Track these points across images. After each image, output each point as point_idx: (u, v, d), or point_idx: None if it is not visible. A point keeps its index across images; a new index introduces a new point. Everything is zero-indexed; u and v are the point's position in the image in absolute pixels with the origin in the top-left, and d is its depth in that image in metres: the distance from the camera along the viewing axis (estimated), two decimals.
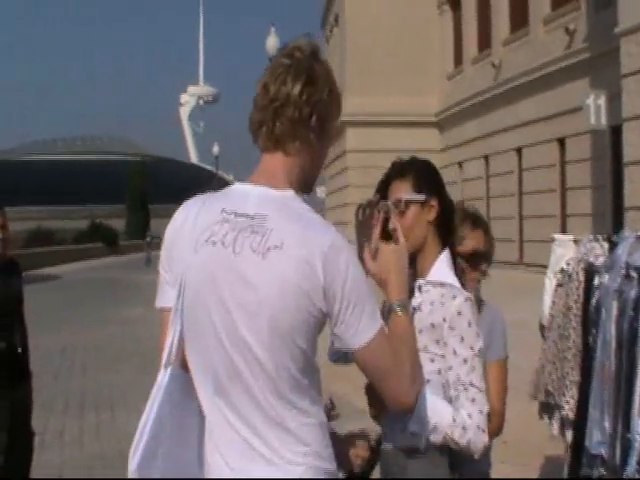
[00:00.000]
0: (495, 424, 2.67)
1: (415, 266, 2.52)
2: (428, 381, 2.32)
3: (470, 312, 2.36)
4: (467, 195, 26.78)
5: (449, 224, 2.54)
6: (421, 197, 2.48)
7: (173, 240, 1.95)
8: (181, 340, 1.90)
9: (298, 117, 1.93)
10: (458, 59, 28.81)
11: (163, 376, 1.89)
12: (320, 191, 41.56)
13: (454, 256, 2.55)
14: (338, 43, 33.46)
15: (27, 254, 36.84)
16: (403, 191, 2.49)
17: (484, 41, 26.11)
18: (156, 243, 49.02)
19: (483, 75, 25.23)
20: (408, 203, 2.47)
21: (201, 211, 1.93)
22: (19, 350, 4.76)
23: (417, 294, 2.46)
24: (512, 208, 23.49)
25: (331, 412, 7.53)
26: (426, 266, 2.50)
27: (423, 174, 2.53)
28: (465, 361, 2.33)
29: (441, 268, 2.47)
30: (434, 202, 2.49)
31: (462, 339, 2.34)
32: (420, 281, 2.49)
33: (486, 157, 25.62)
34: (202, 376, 1.88)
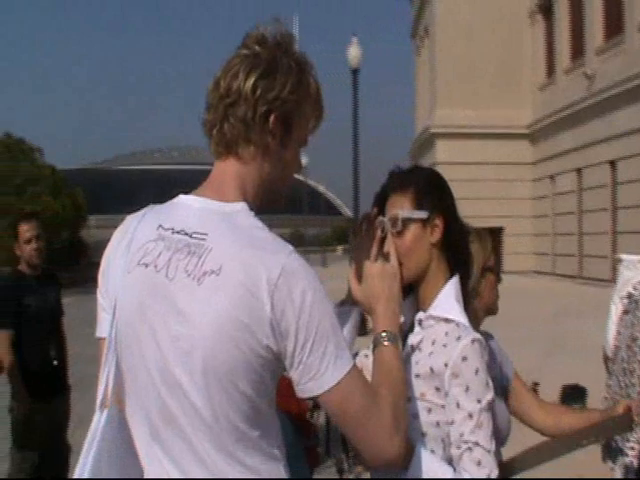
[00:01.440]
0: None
1: (417, 296, 2.13)
2: (424, 434, 1.96)
3: (478, 357, 1.93)
4: (558, 210, 26.17)
5: (458, 248, 2.09)
6: (422, 214, 2.03)
7: (109, 260, 1.68)
8: (118, 376, 1.63)
9: (251, 117, 1.62)
10: (550, 69, 28.20)
11: (98, 419, 1.62)
12: None
13: (465, 287, 2.11)
14: (428, 55, 33.24)
15: None
16: (401, 207, 2.04)
17: (577, 50, 25.48)
18: None
19: (576, 85, 24.61)
20: (406, 222, 2.03)
21: (139, 226, 1.67)
22: (55, 363, 4.68)
23: (417, 329, 2.07)
24: (605, 223, 22.81)
25: None
26: (429, 297, 2.07)
27: (426, 187, 2.05)
28: (470, 416, 1.90)
29: (446, 300, 2.05)
30: (439, 221, 2.03)
31: (467, 389, 1.91)
32: (421, 314, 2.07)
33: (579, 170, 24.97)
34: (137, 418, 1.61)
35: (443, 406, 1.94)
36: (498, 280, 2.56)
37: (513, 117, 28.66)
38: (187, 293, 1.53)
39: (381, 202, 2.09)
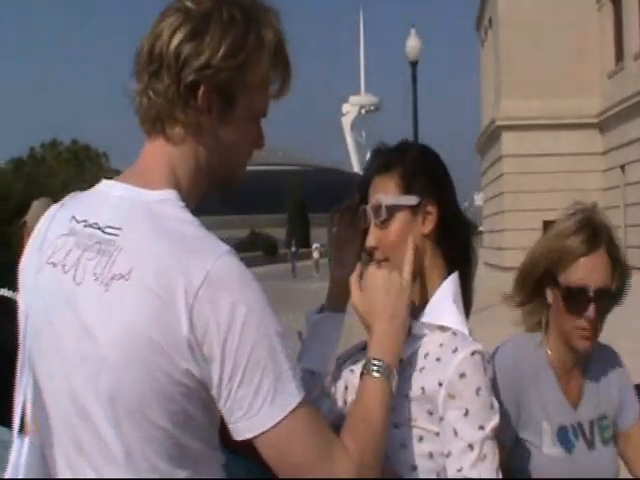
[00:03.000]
0: None
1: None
2: (414, 467, 1.59)
3: (480, 373, 1.56)
4: (629, 200, 25.51)
5: (457, 239, 1.73)
6: (411, 200, 1.67)
7: (25, 255, 1.42)
8: (36, 395, 1.37)
9: (175, 90, 1.30)
10: (619, 55, 27.42)
11: (19, 449, 1.37)
12: (477, 198, 41.00)
13: (466, 287, 1.73)
14: (493, 46, 32.80)
15: None
16: (385, 191, 1.69)
17: None
18: (302, 253, 50.08)
19: None
20: (392, 209, 1.67)
21: (56, 217, 1.40)
22: None
23: (407, 340, 1.66)
24: None
25: None
26: (422, 299, 1.70)
27: (416, 167, 1.69)
28: (471, 447, 1.53)
29: (442, 303, 1.67)
30: (431, 207, 1.68)
31: (467, 413, 1.54)
32: (411, 321, 1.67)
33: None
34: (53, 445, 1.35)
35: (438, 434, 1.57)
36: None
37: (581, 106, 28.00)
38: (94, 302, 1.25)
39: (365, 187, 1.73)
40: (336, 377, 1.79)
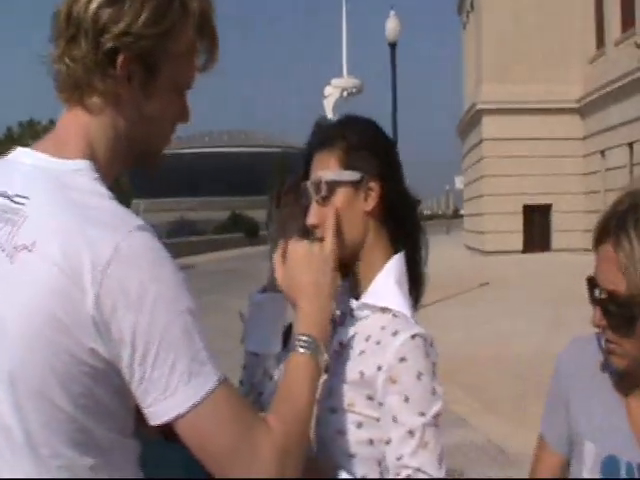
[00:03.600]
0: None
1: (352, 279, 1.68)
2: (352, 455, 1.53)
3: (421, 357, 1.49)
4: (609, 186, 25.66)
5: (402, 217, 1.65)
6: (353, 176, 1.60)
7: None
8: None
9: (93, 58, 1.24)
10: (600, 41, 27.48)
11: None
12: (458, 181, 41.07)
13: (414, 267, 1.67)
14: (474, 30, 32.79)
15: (168, 244, 38.67)
16: (326, 167, 1.61)
17: (628, 21, 24.79)
18: None
19: (627, 57, 23.99)
20: (333, 185, 1.60)
21: None
22: None
23: (348, 322, 1.63)
24: None
25: None
26: (365, 280, 1.63)
27: (358, 142, 1.61)
28: (411, 433, 1.45)
29: (384, 284, 1.60)
30: (374, 184, 1.60)
31: (407, 399, 1.47)
32: (353, 303, 1.63)
33: (630, 145, 24.41)
34: None
35: (378, 419, 1.50)
36: None
37: (562, 91, 28.06)
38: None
39: (308, 163, 1.65)
40: (281, 358, 1.70)
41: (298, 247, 1.54)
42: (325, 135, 1.64)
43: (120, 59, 1.25)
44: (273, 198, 1.70)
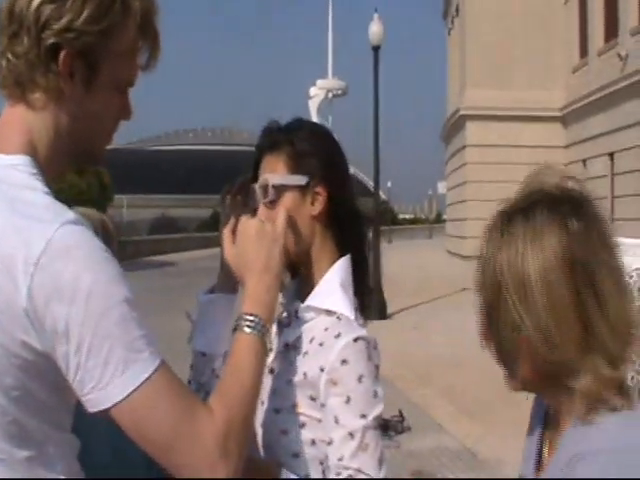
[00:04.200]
0: None
1: (299, 282, 1.73)
2: (296, 455, 1.57)
3: (363, 360, 1.53)
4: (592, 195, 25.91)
5: (348, 222, 1.69)
6: (299, 180, 1.64)
7: None
8: None
9: (35, 54, 1.26)
10: (583, 51, 27.67)
11: None
12: (441, 186, 41.21)
13: (362, 271, 1.71)
14: (459, 35, 32.94)
15: (149, 240, 38.82)
16: (274, 170, 1.66)
17: (611, 31, 24.99)
18: None
19: (609, 67, 24.21)
20: (279, 189, 1.64)
21: None
22: None
23: (294, 323, 1.67)
24: (638, 209, 22.53)
25: (400, 424, 7.37)
26: (311, 283, 1.67)
27: (306, 146, 1.66)
28: (352, 435, 1.49)
29: (329, 286, 1.63)
30: (320, 189, 1.64)
31: (348, 401, 1.51)
32: (298, 305, 1.67)
33: (611, 154, 24.63)
34: None
35: (320, 420, 1.54)
36: None
37: (545, 99, 28.24)
38: None
39: (256, 166, 1.69)
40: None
41: (249, 224, 1.56)
42: (274, 139, 1.68)
43: (62, 55, 1.27)
44: (222, 200, 1.70)
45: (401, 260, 28.58)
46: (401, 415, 6.84)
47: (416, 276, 22.15)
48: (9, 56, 1.28)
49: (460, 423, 7.33)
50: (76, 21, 1.25)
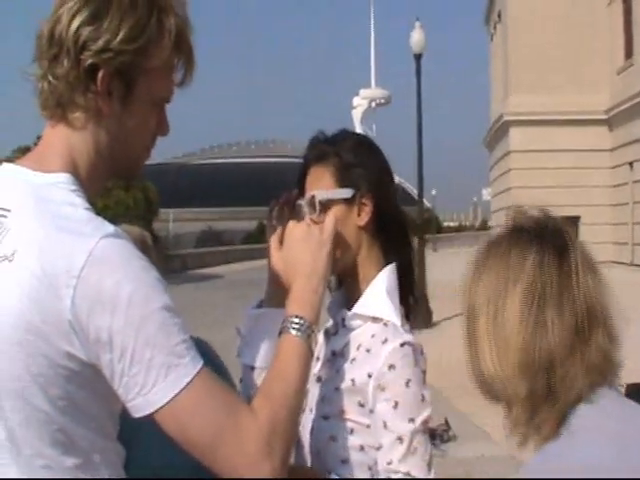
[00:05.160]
0: None
1: (345, 290, 1.75)
2: (345, 461, 1.58)
3: (410, 365, 1.55)
4: (637, 198, 25.50)
5: (394, 231, 1.71)
6: (345, 193, 1.66)
7: None
8: None
9: (75, 75, 1.30)
10: (628, 52, 27.31)
11: None
12: (485, 193, 40.92)
13: (407, 279, 1.73)
14: (501, 41, 32.76)
15: (195, 254, 39.17)
16: (320, 184, 1.67)
17: None
18: None
19: None
20: (326, 203, 1.65)
21: None
22: None
23: (341, 331, 1.69)
24: None
25: (446, 433, 7.29)
26: (358, 291, 1.69)
27: (351, 158, 1.67)
28: (400, 439, 1.51)
29: (375, 294, 1.65)
30: (367, 200, 1.66)
31: (396, 406, 1.52)
32: (345, 313, 1.68)
33: None
34: None
35: (369, 426, 1.55)
36: None
37: (590, 102, 27.91)
38: None
39: (302, 179, 1.71)
40: None
41: (296, 228, 1.58)
42: (320, 151, 1.70)
43: (100, 75, 1.31)
44: (270, 214, 1.70)
45: (446, 268, 28.36)
46: (447, 424, 6.80)
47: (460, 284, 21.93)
48: (50, 78, 1.32)
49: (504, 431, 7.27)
50: (113, 41, 1.30)
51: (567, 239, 1.30)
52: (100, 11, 1.30)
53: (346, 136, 1.73)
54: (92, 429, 1.28)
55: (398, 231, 1.72)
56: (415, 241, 1.79)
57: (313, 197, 1.65)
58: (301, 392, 1.38)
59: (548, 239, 1.27)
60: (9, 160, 1.40)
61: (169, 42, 1.36)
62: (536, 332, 1.20)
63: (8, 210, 1.28)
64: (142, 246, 2.16)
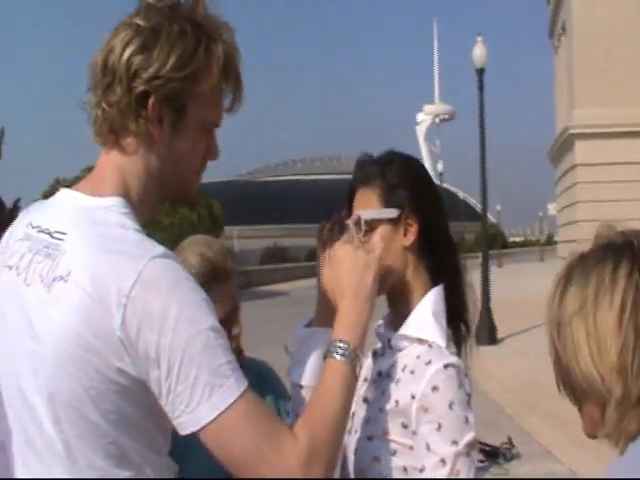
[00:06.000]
0: None
1: (392, 311, 1.76)
2: None
3: (453, 386, 1.54)
4: None
5: (440, 252, 1.71)
6: (390, 213, 1.68)
7: None
8: None
9: (127, 102, 1.36)
10: None
11: None
12: (551, 208, 40.27)
13: (457, 300, 1.73)
14: (566, 52, 32.39)
15: (261, 270, 39.52)
16: (366, 204, 1.70)
17: None
18: None
19: None
20: (372, 223, 1.68)
21: (18, 223, 1.49)
22: None
23: (387, 352, 1.70)
24: None
25: (509, 451, 7.20)
26: (404, 312, 1.69)
27: (397, 179, 1.70)
28: (444, 462, 1.49)
29: (422, 315, 1.66)
30: (412, 220, 1.68)
31: (439, 427, 1.51)
32: (392, 334, 1.70)
33: None
34: (11, 442, 1.40)
35: (412, 447, 1.55)
36: None
37: None
38: (38, 302, 1.33)
39: (351, 199, 1.74)
40: None
41: (343, 249, 1.59)
42: (366, 173, 1.73)
43: (151, 102, 1.37)
44: (319, 234, 1.72)
45: (511, 284, 28.01)
46: (510, 442, 6.73)
47: (527, 300, 21.66)
48: (103, 106, 1.38)
49: (569, 451, 7.14)
50: (163, 69, 1.35)
51: None
52: (150, 41, 1.36)
53: (392, 157, 1.75)
54: (144, 444, 1.33)
55: (445, 252, 1.73)
56: (462, 260, 1.80)
57: (359, 217, 1.68)
58: (343, 415, 1.39)
59: (637, 253, 1.32)
60: (77, 180, 1.49)
61: (217, 69, 1.40)
62: (632, 337, 1.24)
63: (64, 233, 1.35)
64: (226, 251, 2.16)
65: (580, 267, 1.34)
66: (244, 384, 1.29)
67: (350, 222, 1.68)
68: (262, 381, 2.13)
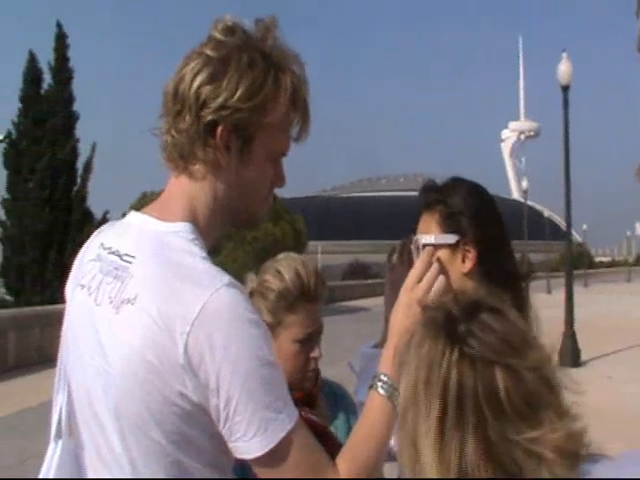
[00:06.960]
0: None
1: None
2: None
3: None
4: None
5: (500, 279, 1.64)
6: (448, 239, 1.70)
7: (69, 277, 1.55)
8: (70, 404, 1.46)
9: (195, 130, 1.39)
10: None
11: (53, 450, 1.46)
12: (639, 227, 39.17)
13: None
14: None
15: (342, 286, 39.60)
16: (427, 230, 1.73)
17: None
18: None
19: None
20: (432, 248, 1.68)
21: (91, 243, 1.53)
22: None
23: None
24: None
25: None
26: None
27: (457, 205, 1.72)
28: None
29: None
30: (470, 247, 1.69)
31: None
32: None
33: None
34: (83, 450, 1.44)
35: None
36: None
37: None
38: (107, 322, 1.36)
39: (416, 225, 1.78)
40: None
41: (403, 293, 1.59)
42: (429, 198, 1.76)
43: (219, 130, 1.38)
44: (389, 259, 1.75)
45: (597, 305, 27.33)
46: None
47: (613, 322, 21.19)
48: (173, 132, 1.41)
49: None
50: (231, 99, 1.37)
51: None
52: (219, 71, 1.38)
53: (455, 184, 1.78)
54: (206, 464, 1.36)
55: (505, 279, 1.68)
56: (525, 287, 1.77)
57: (418, 242, 1.71)
58: (382, 449, 1.45)
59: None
60: (136, 207, 1.54)
61: (285, 99, 1.42)
62: None
63: (133, 257, 1.38)
64: (320, 275, 2.19)
65: None
66: (295, 418, 1.34)
67: (412, 247, 1.72)
68: (336, 401, 2.26)
